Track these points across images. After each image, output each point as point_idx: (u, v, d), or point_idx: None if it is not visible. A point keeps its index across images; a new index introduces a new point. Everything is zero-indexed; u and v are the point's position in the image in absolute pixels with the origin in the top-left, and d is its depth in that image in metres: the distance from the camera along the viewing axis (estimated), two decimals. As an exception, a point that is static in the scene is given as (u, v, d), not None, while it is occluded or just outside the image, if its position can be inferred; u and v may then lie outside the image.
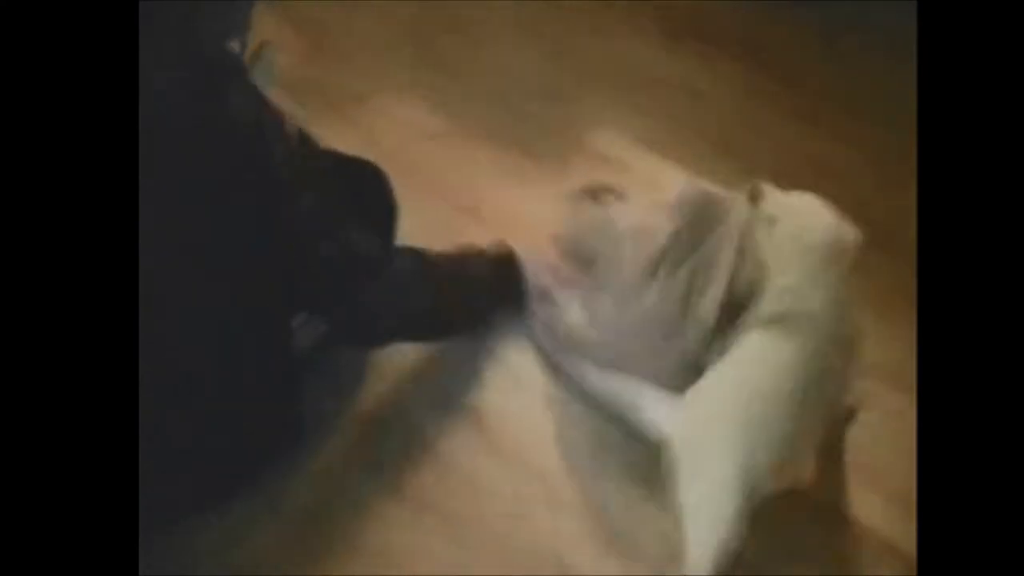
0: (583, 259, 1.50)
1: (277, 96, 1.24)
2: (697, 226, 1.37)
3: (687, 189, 1.42)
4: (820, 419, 1.25)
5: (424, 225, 1.51)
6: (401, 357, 1.45)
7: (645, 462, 1.33)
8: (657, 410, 1.29)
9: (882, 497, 1.33)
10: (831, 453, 1.35)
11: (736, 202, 1.33)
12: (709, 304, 1.31)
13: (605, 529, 1.31)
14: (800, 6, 1.98)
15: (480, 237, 1.52)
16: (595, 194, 1.57)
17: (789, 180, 1.33)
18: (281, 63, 1.47)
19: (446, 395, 1.45)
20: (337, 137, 1.47)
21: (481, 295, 1.47)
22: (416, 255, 1.35)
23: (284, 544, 1.28)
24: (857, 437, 1.38)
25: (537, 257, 1.51)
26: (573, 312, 1.45)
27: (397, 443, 1.39)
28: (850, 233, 1.26)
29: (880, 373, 1.42)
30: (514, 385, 1.46)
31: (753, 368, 1.23)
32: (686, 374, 1.30)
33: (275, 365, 1.29)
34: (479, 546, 1.30)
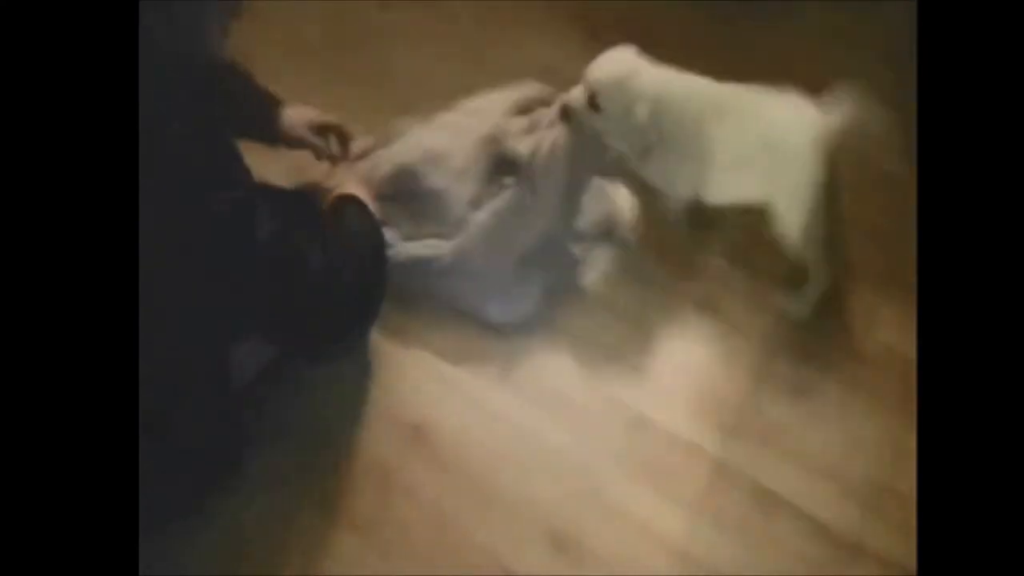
0: (394, 196, 1.59)
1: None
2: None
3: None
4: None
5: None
6: (337, 375, 1.46)
7: (586, 463, 1.38)
8: None
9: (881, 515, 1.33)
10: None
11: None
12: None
13: (548, 533, 1.32)
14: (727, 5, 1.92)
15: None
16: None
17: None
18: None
19: (383, 409, 1.44)
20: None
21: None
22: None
23: (223, 566, 1.28)
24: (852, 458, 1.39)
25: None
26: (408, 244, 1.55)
27: (333, 459, 1.39)
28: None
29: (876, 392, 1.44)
30: (451, 396, 1.46)
31: None
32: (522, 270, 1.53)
33: (217, 390, 1.28)
34: (420, 558, 1.30)
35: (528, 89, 1.68)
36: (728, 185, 1.44)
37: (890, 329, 1.48)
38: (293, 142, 1.48)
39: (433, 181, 1.56)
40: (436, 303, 1.53)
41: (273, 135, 1.46)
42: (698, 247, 1.59)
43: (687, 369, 1.49)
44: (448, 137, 1.60)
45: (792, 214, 1.39)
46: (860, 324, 1.50)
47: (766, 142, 1.36)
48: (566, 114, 1.47)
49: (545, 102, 1.64)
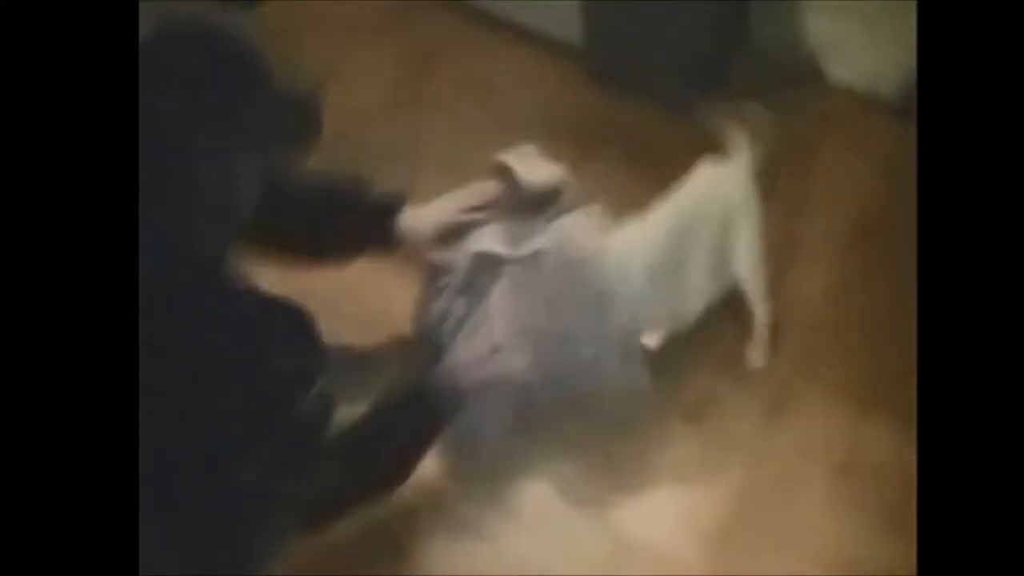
0: None
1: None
2: None
3: None
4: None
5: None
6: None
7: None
8: None
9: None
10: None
11: None
12: None
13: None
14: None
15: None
16: None
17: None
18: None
19: (456, 519, 1.43)
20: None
21: None
22: None
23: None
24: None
25: None
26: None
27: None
28: None
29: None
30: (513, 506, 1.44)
31: None
32: None
33: None
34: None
35: None
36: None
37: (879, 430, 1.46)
38: (413, 247, 1.39)
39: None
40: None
41: (389, 241, 1.38)
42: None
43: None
44: None
45: (750, 260, 1.46)
46: (840, 433, 1.48)
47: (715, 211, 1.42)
48: None
49: None
